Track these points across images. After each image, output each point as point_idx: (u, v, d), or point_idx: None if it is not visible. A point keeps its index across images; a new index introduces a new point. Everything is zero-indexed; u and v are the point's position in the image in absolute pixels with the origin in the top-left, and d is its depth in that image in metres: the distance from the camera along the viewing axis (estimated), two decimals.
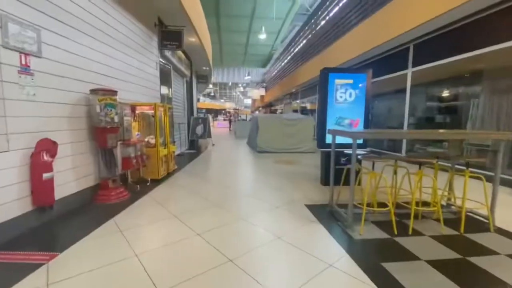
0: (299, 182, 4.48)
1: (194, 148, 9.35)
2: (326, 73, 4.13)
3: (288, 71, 20.48)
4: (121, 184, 3.74)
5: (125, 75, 4.43)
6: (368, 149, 4.21)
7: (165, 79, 7.10)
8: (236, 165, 6.14)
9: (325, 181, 4.26)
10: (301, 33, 16.85)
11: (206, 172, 5.36)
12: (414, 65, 6.98)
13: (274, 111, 25.43)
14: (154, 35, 5.74)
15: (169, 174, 4.99)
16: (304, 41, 16.22)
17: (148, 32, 5.43)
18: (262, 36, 14.37)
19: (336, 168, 3.18)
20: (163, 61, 6.77)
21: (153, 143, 4.51)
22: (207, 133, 9.80)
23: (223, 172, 5.39)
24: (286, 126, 8.56)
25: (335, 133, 3.02)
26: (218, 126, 28.62)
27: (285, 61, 20.87)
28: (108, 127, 3.35)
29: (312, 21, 14.51)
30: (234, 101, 46.34)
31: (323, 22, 13.07)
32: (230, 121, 24.63)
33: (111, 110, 3.35)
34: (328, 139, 4.15)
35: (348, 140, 4.20)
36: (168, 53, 6.77)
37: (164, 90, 6.94)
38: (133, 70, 4.78)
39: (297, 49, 18.00)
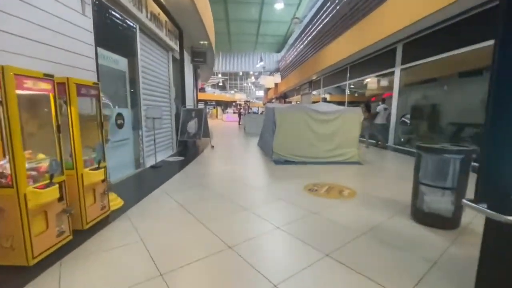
0: None
1: (185, 153, 6.59)
2: None
3: (308, 55, 17.25)
4: None
5: None
6: None
7: (122, 44, 4.31)
8: (236, 198, 3.31)
9: None
10: (328, 4, 13.56)
11: (168, 222, 2.57)
12: None
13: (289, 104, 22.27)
14: None
15: (82, 236, 2.22)
16: (332, 14, 12.96)
17: None
18: (279, 6, 11.23)
19: None
20: (118, 12, 3.96)
21: (7, 175, 1.72)
22: (203, 132, 7.01)
23: (202, 223, 2.57)
24: (318, 122, 5.61)
25: None
26: (227, 120, 25.81)
27: (305, 42, 17.61)
28: None
29: None
30: (246, 92, 43.28)
31: None
32: (239, 114, 21.73)
33: None
34: None
35: None
36: (127, 1, 3.95)
37: (120, 62, 4.15)
38: None
39: (320, 26, 14.73)
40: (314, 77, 16.21)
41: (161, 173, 4.52)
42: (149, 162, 5.04)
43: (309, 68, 15.96)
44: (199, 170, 4.82)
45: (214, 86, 38.02)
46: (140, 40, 4.70)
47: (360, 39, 9.22)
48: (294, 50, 21.49)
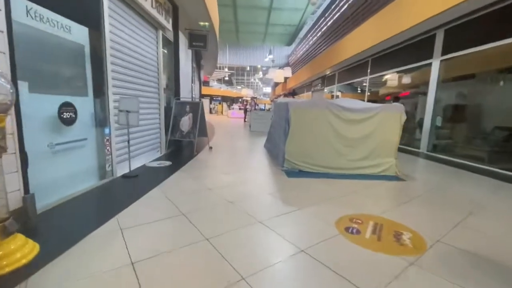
0: None
1: (174, 157, 5.35)
2: None
3: (322, 47, 15.80)
4: None
5: None
6: None
7: (79, 5, 3.07)
8: (228, 248, 2.06)
9: None
10: None
11: None
12: None
13: None
14: None
15: None
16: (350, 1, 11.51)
17: None
18: None
19: None
20: None
21: None
22: (198, 130, 5.75)
23: None
24: (345, 122, 4.28)
25: None
26: (232, 116, 24.53)
27: (319, 34, 16.15)
28: None
29: None
30: (253, 88, 41.78)
31: None
32: (245, 111, 20.44)
33: None
34: None
35: None
36: None
37: (75, 31, 2.89)
38: None
39: (338, 14, 13.28)
40: (328, 72, 14.75)
41: (132, 188, 3.29)
42: (123, 169, 3.81)
43: (322, 62, 14.51)
44: (185, 183, 3.57)
45: (220, 81, 36.74)
46: (109, 5, 3.44)
47: (387, 26, 7.76)
48: (306, 42, 19.98)
